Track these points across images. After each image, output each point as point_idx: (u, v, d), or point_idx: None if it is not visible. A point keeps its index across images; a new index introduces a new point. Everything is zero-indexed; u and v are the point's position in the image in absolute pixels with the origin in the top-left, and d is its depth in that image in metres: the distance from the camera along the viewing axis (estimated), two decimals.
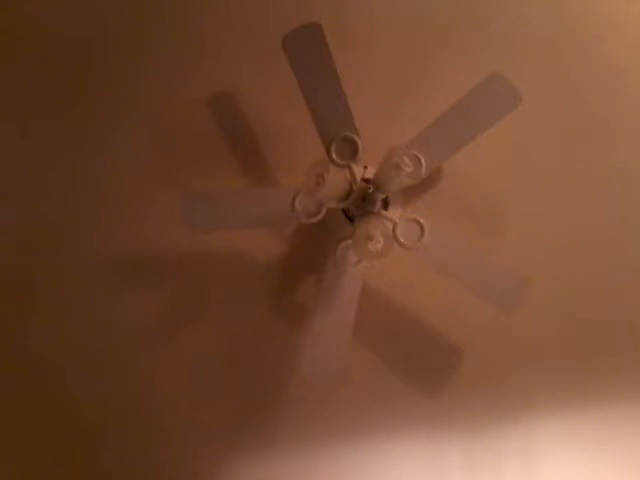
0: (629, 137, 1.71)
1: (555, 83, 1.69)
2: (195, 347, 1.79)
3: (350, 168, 1.39)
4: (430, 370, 1.80)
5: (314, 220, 1.38)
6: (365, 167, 1.46)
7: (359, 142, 1.36)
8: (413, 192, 1.66)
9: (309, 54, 1.32)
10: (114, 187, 1.74)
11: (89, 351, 1.80)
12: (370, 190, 1.38)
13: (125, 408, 1.82)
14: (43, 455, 1.84)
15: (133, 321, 1.78)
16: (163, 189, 1.71)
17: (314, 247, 1.72)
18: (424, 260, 1.45)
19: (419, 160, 1.34)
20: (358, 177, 1.41)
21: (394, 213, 1.46)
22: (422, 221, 1.38)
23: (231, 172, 1.72)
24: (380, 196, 1.41)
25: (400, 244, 1.37)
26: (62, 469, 1.85)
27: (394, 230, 1.37)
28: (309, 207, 1.37)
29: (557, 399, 1.78)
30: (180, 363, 1.80)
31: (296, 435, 1.82)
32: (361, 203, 1.40)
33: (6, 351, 1.80)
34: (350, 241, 1.44)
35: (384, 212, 1.44)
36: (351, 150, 1.37)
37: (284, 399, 1.80)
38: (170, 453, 1.84)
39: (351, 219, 1.49)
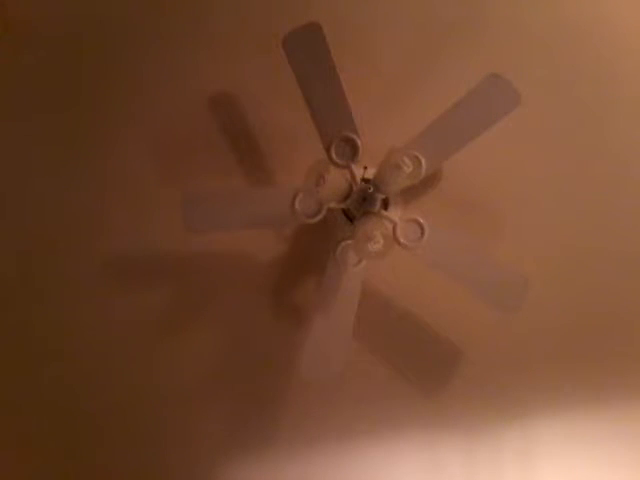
0: (630, 137, 1.71)
1: (555, 83, 1.69)
2: (195, 347, 1.79)
3: (350, 168, 1.39)
4: (430, 370, 1.80)
5: (314, 220, 1.38)
6: (365, 167, 1.45)
7: (359, 142, 1.36)
8: (413, 192, 1.66)
9: (309, 54, 1.32)
10: (114, 187, 1.74)
11: (89, 350, 1.80)
12: (370, 190, 1.38)
13: (124, 407, 1.82)
14: (42, 453, 1.84)
15: (133, 321, 1.78)
16: (163, 189, 1.72)
17: (314, 247, 1.72)
18: (424, 260, 1.45)
19: (419, 160, 1.34)
20: (358, 177, 1.41)
21: (394, 213, 1.46)
22: (422, 221, 1.38)
23: (231, 172, 1.72)
24: (380, 196, 1.40)
25: (400, 244, 1.37)
26: (61, 467, 1.85)
27: (394, 230, 1.37)
28: (309, 207, 1.37)
29: (557, 399, 1.78)
30: (180, 363, 1.80)
31: (295, 435, 1.82)
32: (361, 203, 1.40)
33: (7, 350, 1.80)
34: (350, 241, 1.44)
35: (384, 212, 1.44)
36: (351, 150, 1.36)
37: (283, 399, 1.80)
38: (169, 452, 1.84)
39: (351, 219, 1.48)
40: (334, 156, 1.37)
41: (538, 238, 1.73)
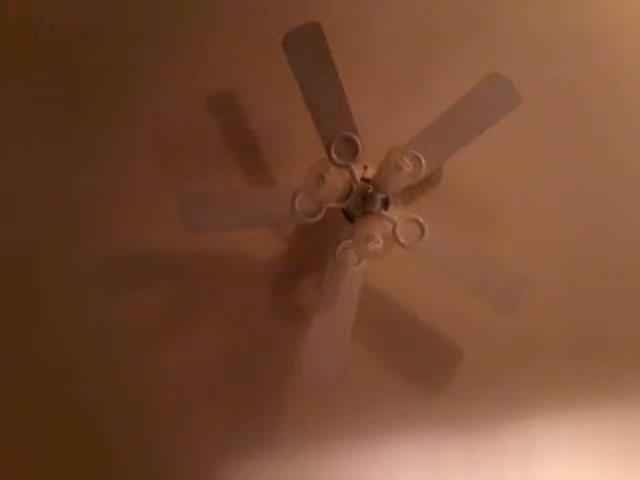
0: (629, 138, 1.71)
1: (555, 83, 1.69)
2: (195, 347, 1.79)
3: (350, 168, 1.39)
4: (430, 370, 1.80)
5: (314, 220, 1.38)
6: (365, 167, 1.46)
7: (359, 142, 1.35)
8: (413, 192, 1.66)
9: (309, 54, 1.32)
10: (114, 187, 1.74)
11: (89, 351, 1.80)
12: (370, 190, 1.38)
13: (125, 407, 1.83)
14: (44, 454, 1.84)
15: (133, 321, 1.78)
16: (163, 189, 1.72)
17: (314, 247, 1.72)
18: (424, 260, 1.45)
19: (419, 160, 1.34)
20: (358, 177, 1.41)
21: (394, 213, 1.46)
22: (422, 221, 1.38)
23: (231, 172, 1.72)
24: (380, 196, 1.41)
25: (400, 244, 1.37)
26: (62, 467, 1.85)
27: (394, 230, 1.37)
28: (309, 207, 1.37)
29: (558, 399, 1.78)
30: (180, 363, 1.80)
31: (295, 435, 1.82)
32: (361, 203, 1.40)
33: (8, 353, 1.80)
34: (350, 241, 1.44)
35: (384, 212, 1.44)
36: (351, 150, 1.36)
37: (283, 399, 1.80)
38: (169, 452, 1.84)
39: (351, 219, 1.48)
40: (334, 156, 1.36)
41: (538, 237, 1.73)
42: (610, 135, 1.71)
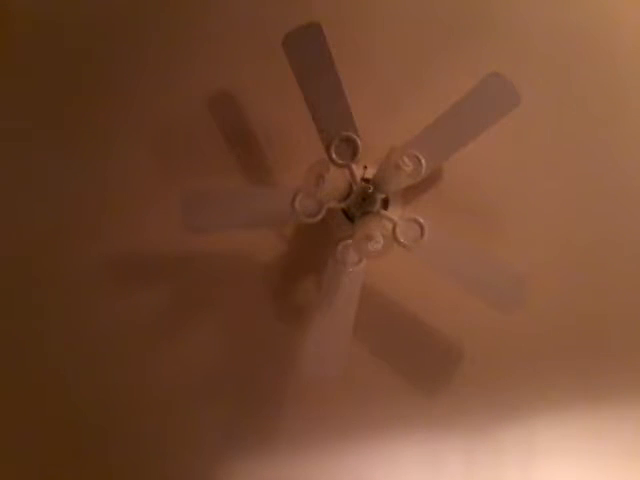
0: (629, 137, 1.71)
1: (555, 83, 1.69)
2: (195, 347, 1.79)
3: (350, 168, 1.39)
4: (430, 370, 1.81)
5: (314, 220, 1.38)
6: (365, 167, 1.46)
7: (359, 142, 1.36)
8: (413, 192, 1.66)
9: (309, 54, 1.32)
10: (114, 188, 1.74)
11: (90, 351, 1.80)
12: (370, 190, 1.38)
13: (126, 407, 1.83)
14: (45, 453, 1.85)
15: (134, 321, 1.78)
16: (163, 189, 1.72)
17: (314, 247, 1.72)
18: (424, 260, 1.45)
19: (419, 160, 1.34)
20: (358, 177, 1.41)
21: (394, 213, 1.46)
22: (422, 221, 1.38)
23: (231, 172, 1.72)
24: (380, 196, 1.41)
25: (400, 244, 1.37)
26: (61, 466, 1.85)
27: (394, 230, 1.37)
28: (309, 207, 1.37)
29: (557, 399, 1.78)
30: (180, 362, 1.80)
31: (295, 434, 1.82)
32: (361, 203, 1.40)
33: (8, 352, 1.80)
34: (350, 241, 1.44)
35: (384, 212, 1.44)
36: (351, 150, 1.36)
37: (284, 399, 1.80)
38: (170, 451, 1.84)
39: (351, 219, 1.49)
40: (334, 156, 1.37)
41: (538, 237, 1.73)
42: (611, 134, 1.71)
